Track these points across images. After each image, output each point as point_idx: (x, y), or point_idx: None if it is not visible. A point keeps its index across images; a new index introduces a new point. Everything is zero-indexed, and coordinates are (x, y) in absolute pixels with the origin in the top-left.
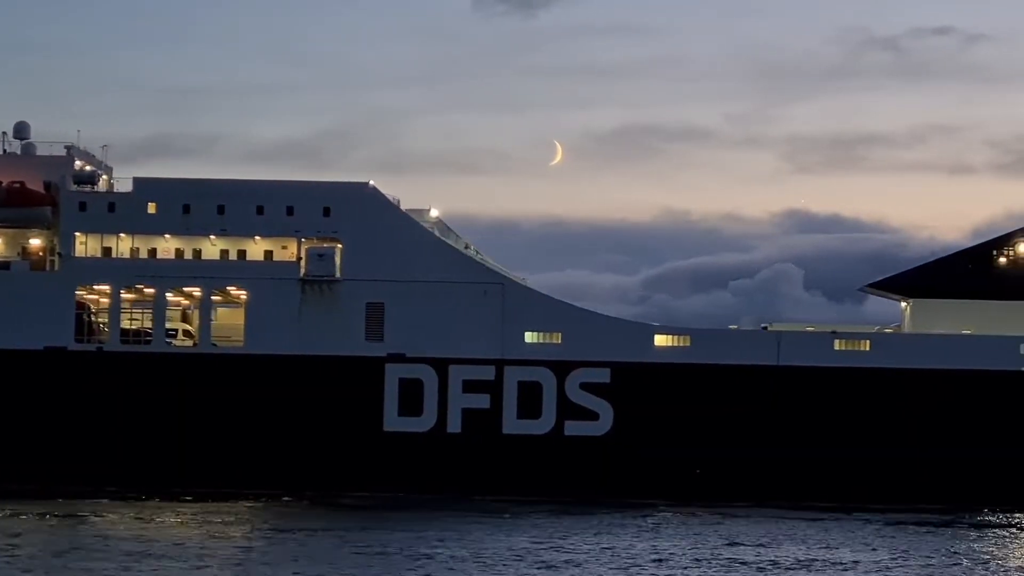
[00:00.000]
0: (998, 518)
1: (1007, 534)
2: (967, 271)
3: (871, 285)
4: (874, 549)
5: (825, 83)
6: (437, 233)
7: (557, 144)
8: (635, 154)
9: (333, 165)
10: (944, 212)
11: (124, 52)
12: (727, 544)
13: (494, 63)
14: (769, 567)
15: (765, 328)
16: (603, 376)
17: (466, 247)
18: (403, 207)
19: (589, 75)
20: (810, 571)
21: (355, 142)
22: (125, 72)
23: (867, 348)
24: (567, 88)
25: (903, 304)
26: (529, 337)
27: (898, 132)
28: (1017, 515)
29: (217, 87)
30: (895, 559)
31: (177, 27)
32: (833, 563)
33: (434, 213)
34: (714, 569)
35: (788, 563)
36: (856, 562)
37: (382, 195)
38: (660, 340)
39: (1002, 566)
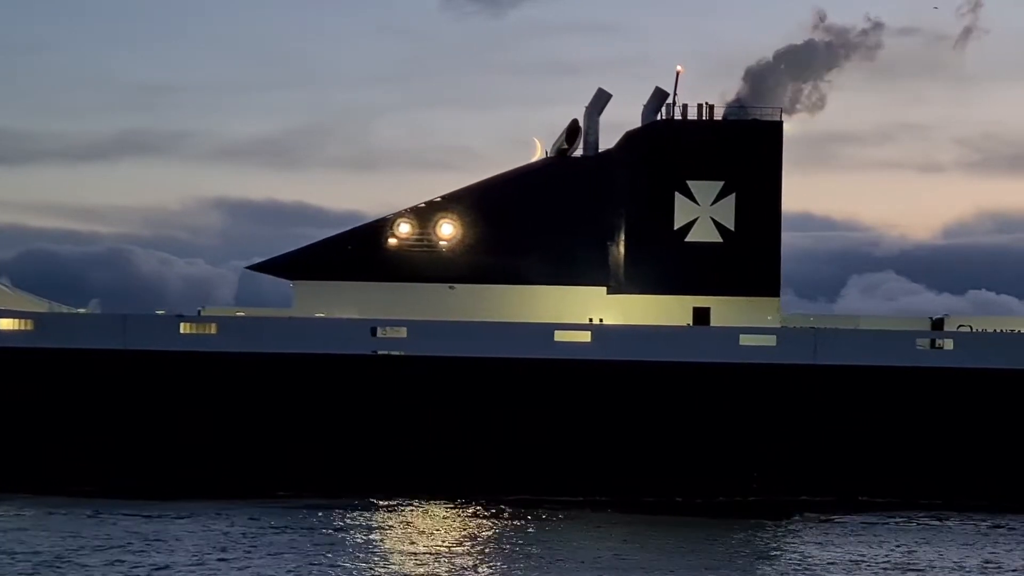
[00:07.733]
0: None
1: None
2: (347, 252)
3: (256, 266)
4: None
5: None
6: None
7: (536, 141)
8: None
9: (303, 162)
10: (914, 210)
11: (93, 48)
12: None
13: (463, 61)
14: None
15: (199, 312)
16: None
17: None
18: None
19: (558, 73)
20: None
21: (325, 140)
22: (94, 68)
23: (214, 331)
24: (536, 86)
25: (291, 285)
26: None
27: (867, 130)
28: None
29: (187, 84)
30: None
31: (147, 24)
32: None
33: None
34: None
35: None
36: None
37: None
38: (2, 324)
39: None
